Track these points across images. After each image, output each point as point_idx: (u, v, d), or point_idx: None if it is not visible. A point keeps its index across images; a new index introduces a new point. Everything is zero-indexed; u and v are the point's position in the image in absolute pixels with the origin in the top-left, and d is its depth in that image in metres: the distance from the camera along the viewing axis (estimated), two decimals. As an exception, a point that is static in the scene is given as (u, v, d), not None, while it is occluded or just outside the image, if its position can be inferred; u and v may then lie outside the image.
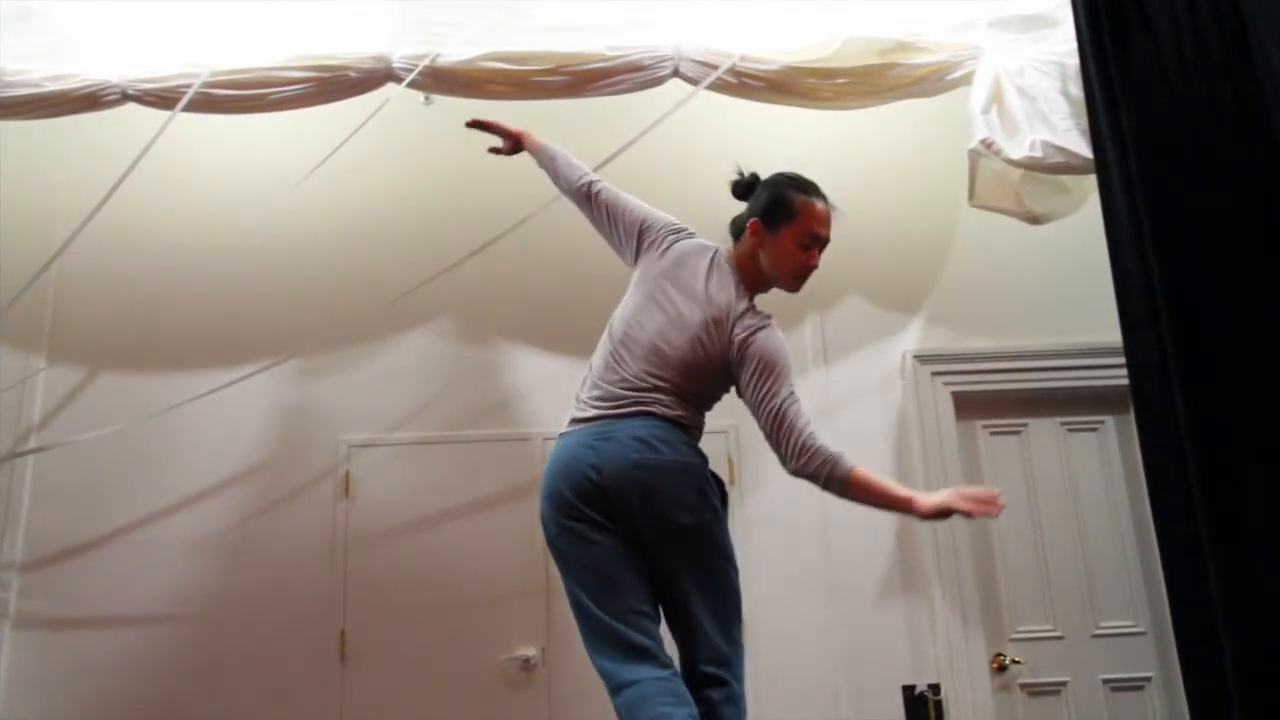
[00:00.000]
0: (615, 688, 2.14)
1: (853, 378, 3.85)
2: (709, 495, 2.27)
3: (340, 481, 3.70)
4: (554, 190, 3.25)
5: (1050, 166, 3.16)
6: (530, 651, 3.53)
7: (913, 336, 3.90)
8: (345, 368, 3.80)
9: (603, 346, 2.43)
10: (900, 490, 2.24)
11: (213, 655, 3.51)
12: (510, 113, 3.47)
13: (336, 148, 3.33)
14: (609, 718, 2.21)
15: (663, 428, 2.27)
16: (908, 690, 3.54)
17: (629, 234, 2.55)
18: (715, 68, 3.22)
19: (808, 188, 2.43)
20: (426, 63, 3.17)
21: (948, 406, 3.81)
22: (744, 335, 2.30)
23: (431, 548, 3.63)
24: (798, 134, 3.89)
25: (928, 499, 2.21)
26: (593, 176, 2.66)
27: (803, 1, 3.30)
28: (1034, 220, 3.41)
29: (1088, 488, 3.85)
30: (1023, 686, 3.67)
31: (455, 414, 3.79)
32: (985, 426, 3.91)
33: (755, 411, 2.29)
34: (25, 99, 3.18)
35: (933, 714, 3.50)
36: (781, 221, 2.40)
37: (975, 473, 3.84)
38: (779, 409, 2.24)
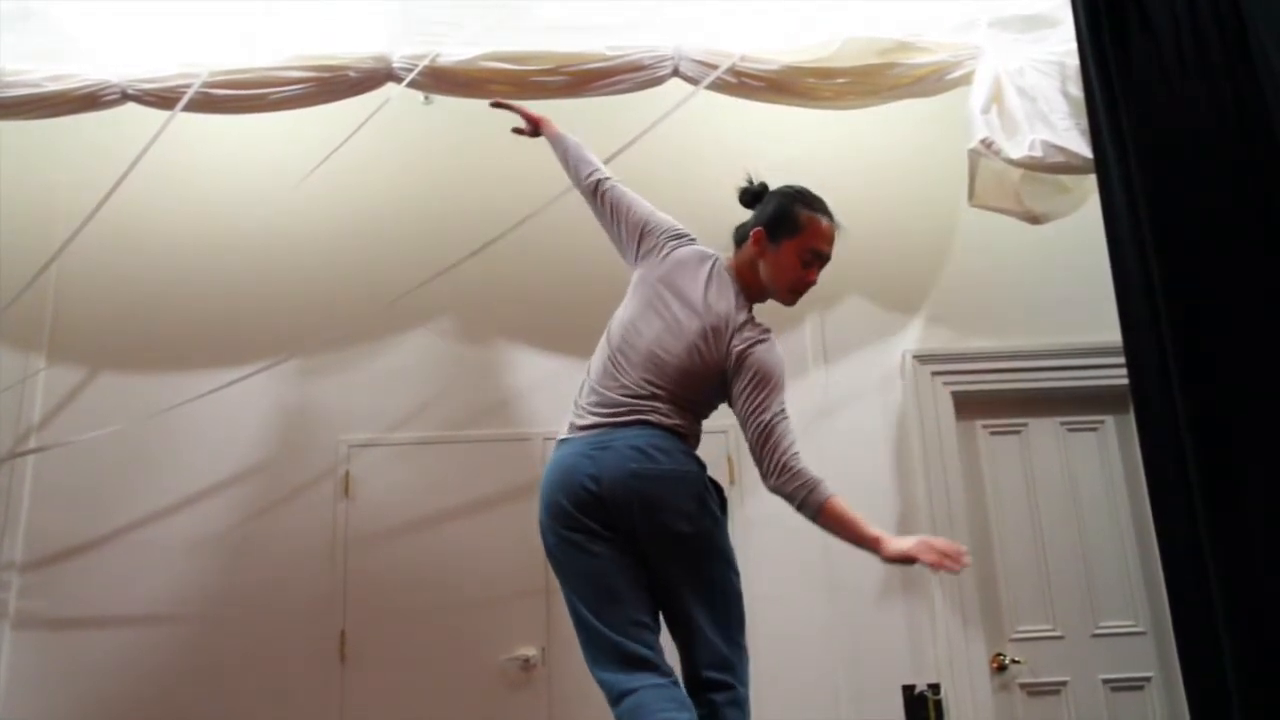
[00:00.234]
0: (615, 698, 2.14)
1: (853, 377, 3.85)
2: (708, 502, 2.27)
3: (340, 481, 3.70)
4: (554, 190, 3.26)
5: (1050, 166, 3.16)
6: (530, 651, 3.53)
7: (912, 336, 3.90)
8: (345, 368, 3.80)
9: (601, 351, 2.43)
10: (870, 529, 2.22)
11: (213, 655, 3.51)
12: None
13: (336, 148, 3.33)
14: (608, 717, 2.21)
15: (660, 436, 2.26)
16: (908, 690, 3.54)
17: (631, 234, 2.54)
18: (715, 67, 3.22)
19: (815, 203, 2.43)
20: (426, 63, 3.16)
21: (947, 406, 3.81)
22: (743, 346, 2.30)
23: (431, 548, 3.63)
24: (798, 134, 3.89)
25: (895, 543, 2.19)
26: (603, 173, 2.66)
27: (803, 1, 3.30)
28: (1034, 220, 3.41)
29: (1088, 487, 3.85)
30: (1023, 686, 3.67)
31: (455, 414, 3.79)
32: (985, 426, 3.92)
33: (744, 423, 2.28)
34: (25, 99, 3.18)
35: (933, 714, 3.50)
36: (785, 234, 2.39)
37: (975, 472, 3.84)
38: (768, 424, 2.24)
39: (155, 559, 3.59)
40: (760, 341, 2.32)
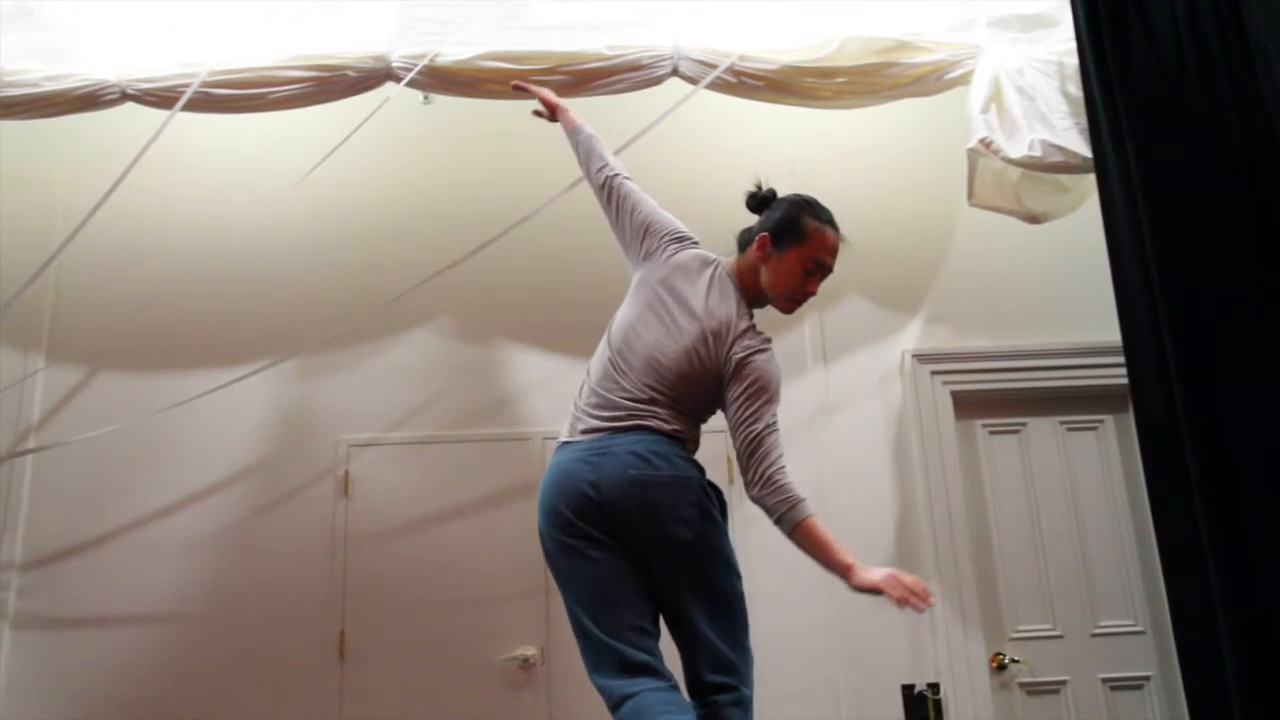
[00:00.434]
0: (615, 703, 2.14)
1: (852, 377, 3.86)
2: (707, 507, 2.26)
3: (340, 481, 3.70)
4: (553, 190, 3.27)
5: (1049, 166, 3.16)
6: (530, 651, 3.53)
7: (912, 336, 3.90)
8: (345, 367, 3.80)
9: (601, 352, 2.42)
10: (843, 555, 2.17)
11: (212, 655, 3.51)
12: (510, 111, 3.48)
13: (335, 147, 3.33)
14: (608, 717, 2.21)
15: (659, 442, 2.26)
16: (907, 689, 3.54)
17: (635, 234, 2.53)
18: (714, 67, 3.21)
19: (822, 214, 2.42)
20: (425, 62, 3.16)
21: (947, 405, 3.81)
22: (743, 355, 2.29)
23: (431, 547, 3.63)
24: (797, 133, 3.90)
25: (864, 573, 2.14)
26: (613, 169, 2.62)
27: (802, 1, 3.30)
28: (1033, 220, 3.41)
29: (1087, 487, 3.86)
30: (1022, 686, 3.67)
31: (455, 413, 3.79)
32: (984, 425, 3.92)
33: (734, 429, 2.27)
34: (24, 98, 3.17)
35: (932, 713, 3.51)
36: (790, 243, 2.38)
37: (974, 472, 3.85)
38: (758, 434, 2.22)
39: (155, 558, 3.59)
40: (760, 351, 2.30)
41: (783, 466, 2.21)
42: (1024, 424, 3.92)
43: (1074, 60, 3.14)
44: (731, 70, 3.23)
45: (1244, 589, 2.55)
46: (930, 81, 3.32)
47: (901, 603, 2.08)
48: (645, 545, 2.22)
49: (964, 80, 3.30)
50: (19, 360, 3.75)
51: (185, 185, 3.91)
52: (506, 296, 3.87)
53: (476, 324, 3.88)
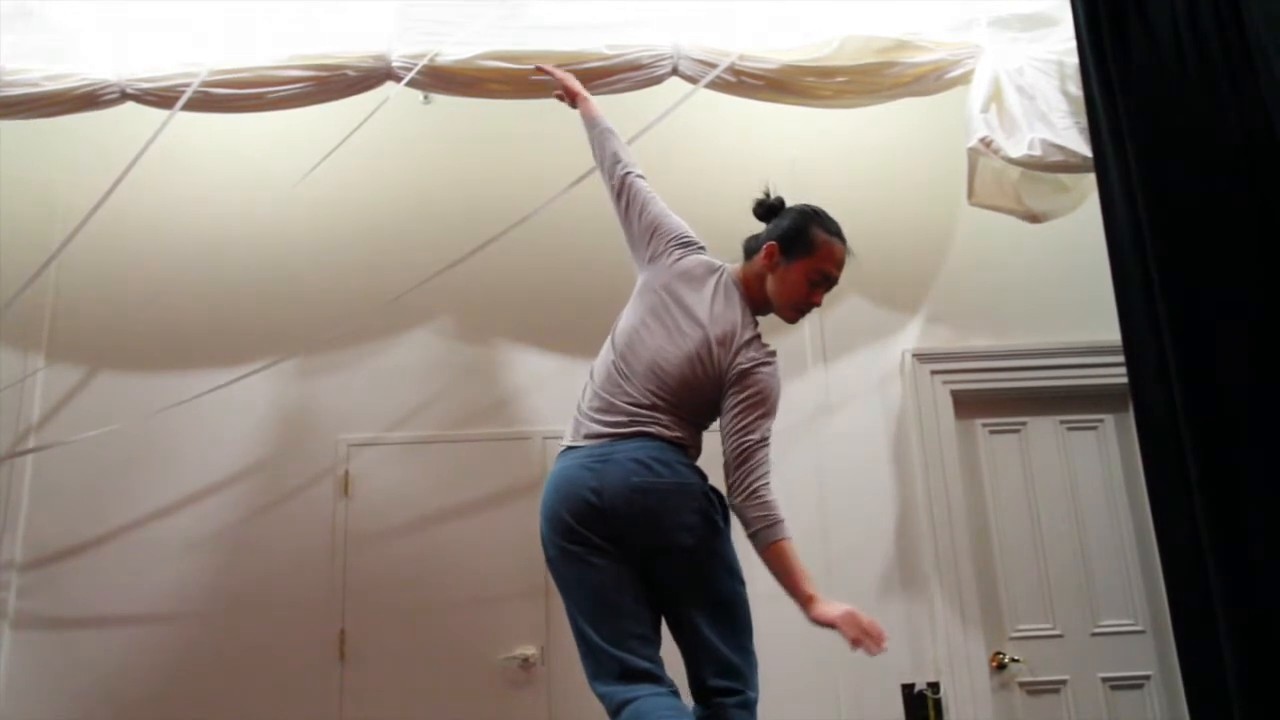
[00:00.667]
0: (615, 709, 2.14)
1: (853, 376, 3.86)
2: (709, 513, 2.25)
3: (339, 480, 3.70)
4: (553, 190, 3.27)
5: (1049, 165, 3.16)
6: (530, 650, 3.53)
7: (912, 335, 3.90)
8: (345, 367, 3.80)
9: (605, 355, 2.42)
10: (807, 586, 2.16)
11: (212, 654, 3.51)
12: (510, 111, 3.49)
13: (335, 147, 3.33)
14: (608, 718, 2.21)
15: (661, 449, 2.25)
16: (907, 689, 3.54)
17: (642, 234, 2.52)
18: (714, 66, 3.21)
19: (830, 226, 2.42)
20: (425, 62, 3.16)
21: (947, 405, 3.81)
22: (747, 365, 2.28)
23: (431, 547, 3.63)
24: (797, 133, 3.90)
25: (824, 607, 2.13)
26: (628, 167, 2.60)
27: (802, 0, 3.30)
28: (1033, 219, 3.41)
29: (1087, 486, 3.86)
30: (1022, 685, 3.67)
31: (455, 413, 3.79)
32: (985, 425, 3.92)
33: (727, 435, 2.26)
34: (24, 98, 3.17)
35: (932, 713, 3.51)
36: (799, 253, 2.38)
37: (974, 471, 3.85)
38: (751, 446, 2.23)
39: (154, 558, 3.59)
40: (765, 364, 2.30)
41: (768, 483, 2.22)
42: (1024, 423, 3.92)
43: (1074, 60, 3.14)
44: (731, 70, 3.23)
45: (1244, 589, 2.55)
46: (930, 81, 3.32)
47: (855, 643, 2.09)
48: (648, 551, 2.22)
49: (964, 80, 3.30)
50: (19, 360, 3.75)
51: (185, 185, 3.91)
52: (506, 296, 3.87)
53: (476, 324, 3.88)
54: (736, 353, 2.30)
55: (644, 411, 2.28)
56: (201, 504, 3.66)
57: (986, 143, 3.16)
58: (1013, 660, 3.66)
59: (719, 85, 3.26)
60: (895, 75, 3.29)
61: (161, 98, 3.20)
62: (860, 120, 3.72)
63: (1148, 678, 3.68)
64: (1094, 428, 3.92)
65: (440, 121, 3.88)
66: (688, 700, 2.24)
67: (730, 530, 2.32)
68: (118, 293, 3.85)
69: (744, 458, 2.22)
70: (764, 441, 2.25)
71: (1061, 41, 3.24)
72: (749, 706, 2.22)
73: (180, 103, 3.17)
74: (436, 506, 3.67)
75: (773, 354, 2.34)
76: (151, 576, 3.58)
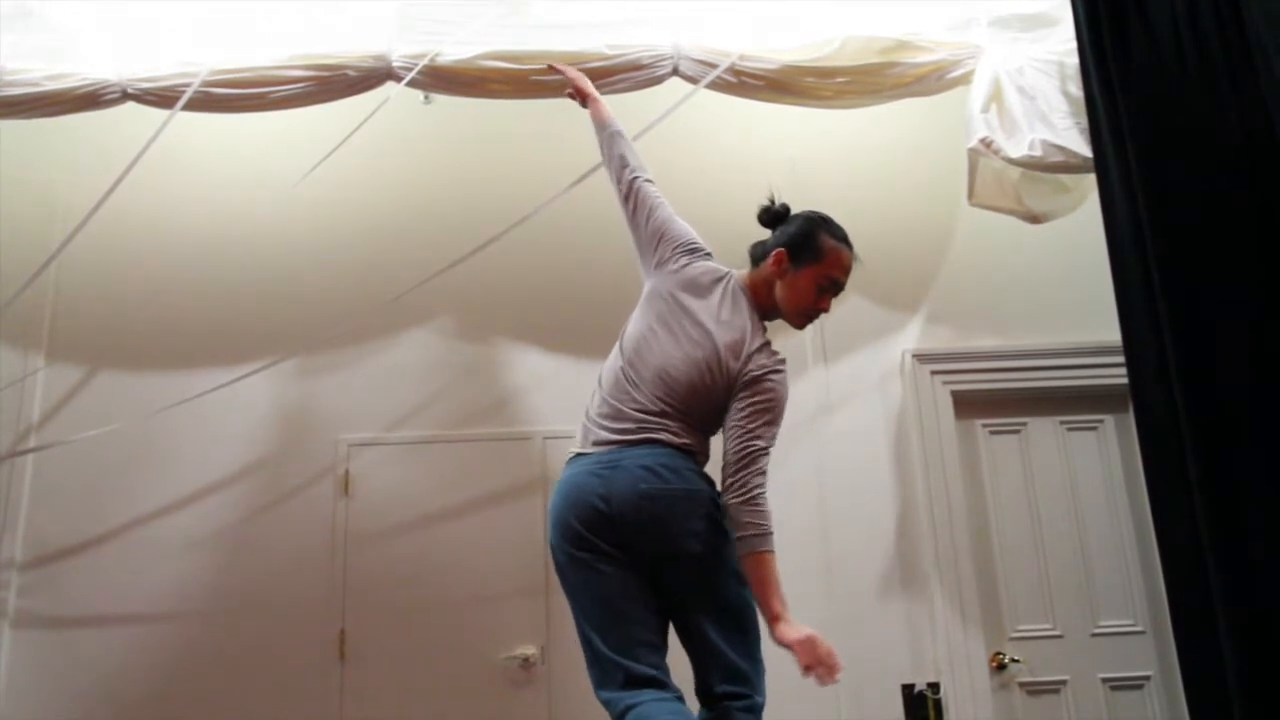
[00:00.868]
0: (619, 714, 2.14)
1: (853, 376, 3.86)
2: (717, 519, 2.26)
3: (340, 480, 3.70)
4: (553, 189, 3.27)
5: (1050, 165, 3.16)
6: (530, 650, 3.53)
7: (912, 335, 3.90)
8: (345, 366, 3.80)
9: (613, 361, 2.42)
10: (778, 603, 2.15)
11: (212, 654, 3.51)
12: (510, 111, 3.49)
13: (336, 147, 3.33)
14: (608, 716, 2.21)
15: (670, 455, 2.26)
16: (907, 689, 3.54)
17: (649, 240, 2.52)
18: (714, 66, 3.21)
19: (838, 233, 2.44)
20: (426, 61, 3.16)
21: (947, 405, 3.81)
22: (759, 372, 2.29)
23: (431, 546, 3.63)
24: (797, 133, 3.90)
25: (786, 628, 2.12)
26: (637, 171, 2.60)
27: (802, 1, 3.30)
28: (1033, 219, 3.41)
29: (1087, 486, 3.85)
30: (1022, 685, 3.67)
31: (455, 413, 3.79)
32: (985, 425, 3.92)
33: (731, 437, 2.26)
34: (24, 98, 3.17)
35: (932, 713, 3.51)
36: (808, 260, 2.39)
37: (975, 471, 3.85)
38: (755, 451, 2.23)
39: (155, 558, 3.59)
40: (776, 371, 2.31)
41: (765, 491, 2.22)
42: (1024, 424, 3.92)
43: (1074, 60, 3.14)
44: (732, 70, 3.23)
45: (1244, 589, 2.54)
46: (931, 81, 3.32)
47: (807, 670, 2.09)
48: (656, 558, 2.22)
49: (964, 80, 3.30)
50: (19, 360, 3.74)
51: (185, 185, 3.91)
52: (507, 296, 3.87)
53: (476, 323, 3.88)
54: (748, 359, 2.30)
55: (652, 418, 2.29)
56: (201, 503, 3.66)
57: (987, 143, 3.17)
58: (1013, 660, 3.66)
59: (719, 85, 3.26)
60: (896, 75, 3.29)
61: (162, 98, 3.20)
62: (860, 120, 3.72)
63: (1148, 678, 3.68)
64: (1094, 428, 3.92)
65: (440, 121, 3.88)
66: (693, 707, 2.24)
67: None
68: (118, 292, 3.85)
69: (746, 461, 2.22)
70: (766, 450, 2.25)
71: (1062, 41, 3.24)
72: (756, 711, 2.23)
73: (180, 103, 3.17)
74: (436, 506, 3.67)
75: (782, 361, 2.35)
76: (152, 576, 3.58)
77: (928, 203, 3.95)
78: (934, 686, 3.54)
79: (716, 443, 2.38)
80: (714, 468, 2.35)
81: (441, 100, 3.56)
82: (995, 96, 3.22)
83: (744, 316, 2.37)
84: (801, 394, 3.75)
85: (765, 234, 2.54)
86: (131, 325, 3.82)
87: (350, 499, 3.68)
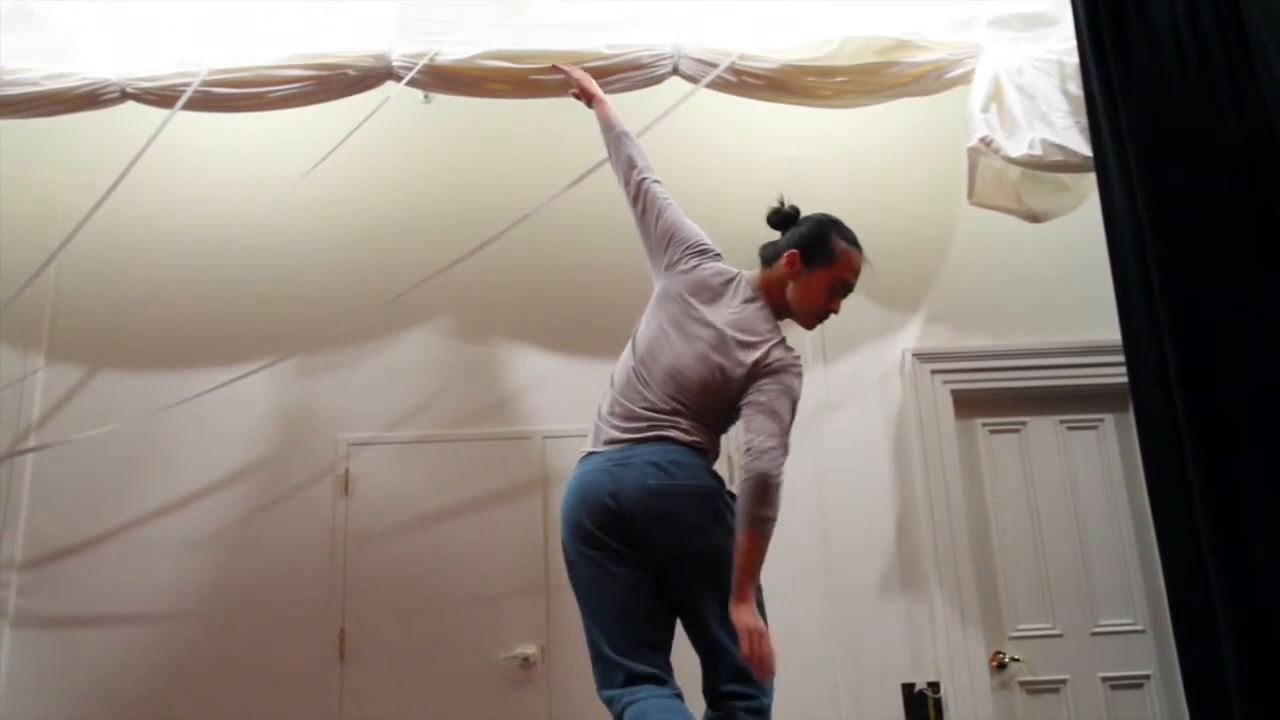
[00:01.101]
0: (619, 711, 2.15)
1: (853, 375, 3.86)
2: (725, 517, 2.26)
3: (339, 479, 3.70)
4: (553, 189, 3.26)
5: (1050, 165, 3.16)
6: (530, 649, 3.53)
7: (912, 334, 3.90)
8: (344, 366, 3.80)
9: (625, 361, 2.44)
10: (748, 585, 2.15)
11: (212, 653, 3.51)
12: (510, 111, 3.49)
13: (335, 146, 3.33)
14: (608, 715, 2.22)
15: (679, 452, 2.27)
16: (907, 688, 3.54)
17: (659, 241, 2.53)
18: (714, 66, 3.21)
19: (849, 235, 2.46)
20: (426, 61, 3.16)
21: (947, 404, 3.81)
22: (779, 363, 2.30)
23: (431, 546, 3.63)
24: (797, 133, 3.90)
25: (741, 612, 2.12)
26: (645, 173, 2.61)
27: (802, 0, 3.30)
28: (1033, 219, 3.41)
29: (1087, 486, 3.86)
30: (1022, 684, 3.67)
31: (455, 412, 3.79)
32: (985, 424, 3.92)
33: (755, 410, 2.25)
34: (24, 97, 3.17)
35: (932, 712, 3.51)
36: (820, 262, 2.41)
37: (974, 470, 3.85)
38: (774, 411, 2.23)
39: (154, 557, 3.59)
40: (794, 365, 2.33)
41: (780, 465, 2.21)
42: (1024, 423, 3.93)
43: (1074, 59, 3.14)
44: (731, 69, 3.23)
45: (1244, 589, 2.54)
46: (930, 80, 3.32)
47: (743, 656, 2.10)
48: (664, 555, 2.23)
49: (964, 79, 3.30)
50: (19, 360, 3.74)
51: (185, 185, 3.91)
52: (507, 296, 3.87)
53: (476, 323, 3.88)
54: (765, 354, 2.31)
55: (663, 416, 2.30)
56: (201, 503, 3.66)
57: (987, 142, 3.17)
58: (1013, 660, 3.66)
59: (719, 85, 3.26)
60: (895, 75, 3.29)
61: (161, 97, 3.20)
62: (860, 120, 3.72)
63: (1148, 677, 3.69)
64: (1094, 428, 3.92)
65: (440, 121, 3.88)
66: (697, 708, 2.24)
67: None
68: (118, 292, 3.85)
69: (768, 419, 2.22)
70: (785, 428, 2.25)
71: (1062, 41, 3.24)
72: (763, 712, 2.23)
73: (180, 102, 3.17)
74: (436, 506, 3.67)
75: (798, 359, 2.36)
76: (151, 576, 3.58)
77: (928, 202, 3.95)
78: (934, 686, 3.54)
79: (725, 441, 2.38)
80: (720, 466, 2.36)
81: (441, 100, 3.56)
82: (995, 96, 3.22)
83: (758, 315, 2.39)
84: (802, 393, 3.75)
85: (764, 233, 2.54)
86: (131, 325, 3.82)
87: (350, 499, 3.68)
